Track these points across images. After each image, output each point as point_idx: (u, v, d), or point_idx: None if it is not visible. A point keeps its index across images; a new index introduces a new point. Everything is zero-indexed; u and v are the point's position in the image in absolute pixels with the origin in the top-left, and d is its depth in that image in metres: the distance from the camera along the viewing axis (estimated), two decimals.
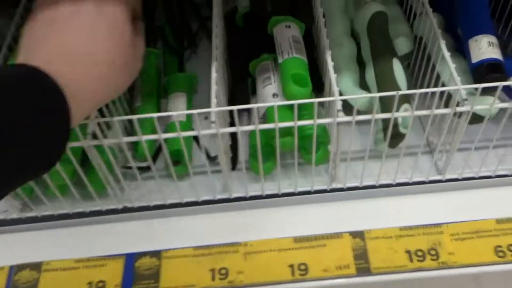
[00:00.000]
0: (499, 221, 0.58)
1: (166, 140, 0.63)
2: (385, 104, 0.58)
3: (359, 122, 0.52)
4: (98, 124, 0.50)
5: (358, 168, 0.61)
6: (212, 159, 0.63)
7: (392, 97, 0.52)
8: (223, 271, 0.55)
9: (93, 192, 0.57)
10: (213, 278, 0.55)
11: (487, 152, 0.58)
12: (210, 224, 0.60)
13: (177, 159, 0.61)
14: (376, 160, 0.62)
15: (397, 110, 0.56)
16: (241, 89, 0.67)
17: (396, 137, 0.58)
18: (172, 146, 0.61)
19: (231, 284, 0.54)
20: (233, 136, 0.66)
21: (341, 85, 0.63)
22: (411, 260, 0.55)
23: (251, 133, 0.63)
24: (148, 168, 0.62)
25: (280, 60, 0.58)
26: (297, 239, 0.58)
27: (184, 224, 0.60)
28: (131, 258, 0.57)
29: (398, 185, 0.61)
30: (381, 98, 0.58)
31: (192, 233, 0.59)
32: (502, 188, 0.61)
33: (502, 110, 0.54)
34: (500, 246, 0.56)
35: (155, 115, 0.49)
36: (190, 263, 0.56)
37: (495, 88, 0.51)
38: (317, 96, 0.64)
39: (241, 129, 0.51)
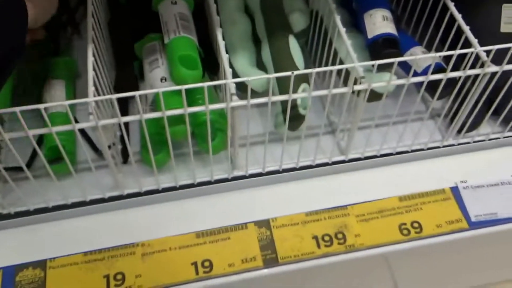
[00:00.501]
0: (401, 198, 0.57)
1: (44, 134, 0.56)
2: (283, 85, 0.55)
3: (257, 105, 0.48)
4: None
5: (259, 153, 0.58)
6: (100, 153, 0.57)
7: (290, 77, 0.50)
8: (119, 277, 0.50)
9: None
10: (107, 286, 0.49)
11: (387, 129, 0.58)
12: (101, 225, 0.54)
13: (57, 156, 0.54)
14: (277, 144, 0.60)
15: (295, 91, 0.53)
16: (126, 73, 0.61)
17: (296, 119, 0.55)
18: (50, 142, 0.54)
19: None
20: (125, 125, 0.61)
21: (236, 65, 0.59)
22: (319, 246, 0.53)
23: (140, 123, 0.57)
24: (22, 169, 0.55)
25: (166, 40, 0.53)
26: (199, 234, 0.53)
27: (71, 227, 0.53)
28: (10, 271, 0.50)
29: (301, 168, 0.58)
30: (278, 78, 0.55)
31: (81, 237, 0.53)
32: (403, 165, 0.61)
33: (400, 86, 0.53)
34: (405, 224, 0.55)
35: (17, 109, 0.42)
36: (80, 271, 0.50)
37: (392, 64, 0.50)
38: (213, 79, 0.60)
39: (124, 119, 0.46)
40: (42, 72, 0.61)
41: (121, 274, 0.50)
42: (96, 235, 0.53)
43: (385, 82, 0.51)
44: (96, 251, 0.52)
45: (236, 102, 0.47)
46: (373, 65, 0.49)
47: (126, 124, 0.62)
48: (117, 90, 0.60)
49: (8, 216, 0.53)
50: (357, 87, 0.49)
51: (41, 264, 0.50)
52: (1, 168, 0.48)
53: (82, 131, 0.60)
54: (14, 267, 0.50)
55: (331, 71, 0.48)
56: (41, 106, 0.42)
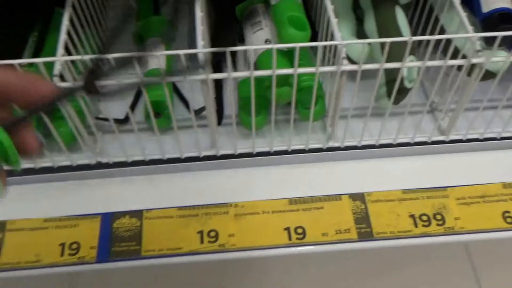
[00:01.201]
0: (506, 185, 0.54)
1: (148, 89, 0.56)
2: (390, 56, 0.53)
3: (354, 77, 0.47)
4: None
5: (355, 127, 0.56)
6: (197, 112, 0.57)
7: (397, 47, 0.48)
8: (212, 234, 0.50)
9: (62, 145, 0.50)
10: (201, 241, 0.49)
11: (493, 113, 0.55)
12: (196, 183, 0.54)
13: (158, 110, 0.55)
14: (374, 119, 0.58)
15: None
16: (227, 35, 0.61)
17: (400, 92, 0.53)
18: (152, 97, 0.54)
19: (222, 248, 0.49)
20: (217, 88, 0.60)
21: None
22: (416, 225, 0.51)
23: (240, 84, 0.57)
24: (125, 120, 0.56)
25: (273, 2, 0.52)
26: (292, 201, 0.53)
27: (167, 182, 0.54)
28: (108, 218, 0.50)
29: (399, 145, 0.56)
30: (383, 50, 0.53)
31: (176, 192, 0.53)
32: (509, 151, 0.57)
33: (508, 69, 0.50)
34: (508, 212, 0.52)
35: (134, 54, 0.42)
36: (174, 224, 0.50)
37: (507, 41, 0.47)
38: None
39: (233, 75, 0.45)
40: (142, 32, 0.61)
41: (215, 232, 0.50)
42: (191, 192, 0.53)
43: (503, 57, 0.48)
44: (190, 207, 0.52)
45: (347, 66, 0.46)
46: (485, 42, 0.47)
47: (221, 86, 0.62)
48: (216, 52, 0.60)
49: (107, 166, 0.54)
50: (475, 60, 0.47)
51: (138, 214, 0.51)
52: (111, 119, 0.48)
53: (176, 89, 0.61)
54: (113, 214, 0.51)
55: (437, 44, 0.46)
56: (156, 53, 0.43)
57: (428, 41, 0.46)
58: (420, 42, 0.56)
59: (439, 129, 0.58)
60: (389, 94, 0.53)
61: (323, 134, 0.57)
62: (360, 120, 0.57)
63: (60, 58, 0.43)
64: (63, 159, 0.53)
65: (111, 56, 0.40)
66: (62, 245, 0.48)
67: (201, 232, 0.50)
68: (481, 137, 0.57)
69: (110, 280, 0.52)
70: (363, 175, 0.55)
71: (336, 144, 0.56)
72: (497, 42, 0.46)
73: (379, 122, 0.55)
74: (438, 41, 0.52)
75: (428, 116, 0.60)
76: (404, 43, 0.45)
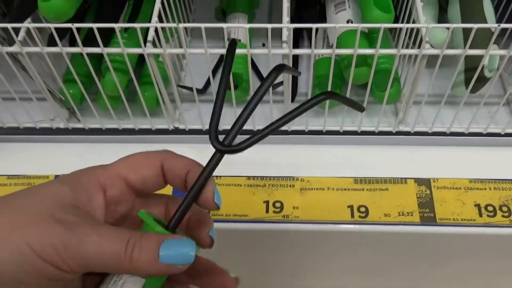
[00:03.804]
0: None
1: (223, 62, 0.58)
2: (472, 43, 0.53)
3: (434, 64, 0.47)
4: (156, 31, 0.46)
5: (427, 113, 0.56)
6: (274, 87, 0.59)
7: (481, 35, 0.47)
8: (277, 204, 0.52)
9: (146, 108, 0.54)
10: (267, 211, 0.51)
11: None
12: (265, 155, 0.56)
13: (235, 83, 0.57)
14: (446, 107, 0.57)
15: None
16: (309, 13, 0.62)
17: (479, 81, 0.52)
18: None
19: (286, 219, 0.51)
20: (293, 65, 0.62)
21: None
22: (481, 215, 0.51)
23: (317, 62, 0.58)
24: (204, 90, 0.58)
25: None
26: (357, 180, 0.54)
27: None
28: None
29: (470, 135, 0.56)
30: (465, 37, 0.52)
31: (246, 163, 0.55)
32: None
33: None
34: None
35: (209, 25, 0.44)
36: (243, 192, 0.53)
37: None
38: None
39: (316, 51, 0.47)
40: (225, 6, 0.64)
41: (280, 203, 0.52)
42: (260, 163, 0.55)
43: None
44: (259, 177, 0.54)
45: (429, 50, 0.46)
46: None
47: (297, 64, 0.63)
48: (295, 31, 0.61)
49: (183, 132, 0.57)
50: None
51: None
52: (194, 88, 0.51)
53: (254, 64, 0.63)
54: None
55: None
56: (243, 26, 0.44)
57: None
58: (503, 32, 0.55)
59: None
60: (467, 82, 0.53)
61: (394, 117, 0.58)
62: (432, 107, 0.57)
63: (155, 25, 0.46)
64: (144, 122, 0.56)
65: (202, 25, 0.43)
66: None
67: (267, 202, 0.52)
68: None
69: None
70: (431, 161, 0.55)
71: (407, 129, 0.56)
72: None
73: (451, 110, 0.55)
74: None
75: (504, 108, 0.59)
76: (488, 31, 0.44)
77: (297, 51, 0.47)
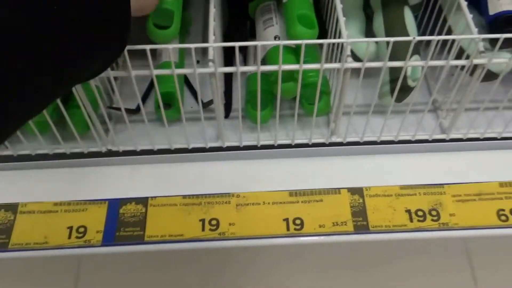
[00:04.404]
0: (502, 184, 0.56)
1: (159, 81, 0.58)
2: (395, 54, 0.54)
3: (358, 75, 0.48)
4: None
5: (358, 123, 0.58)
6: (205, 105, 0.59)
7: (402, 47, 0.49)
8: (213, 222, 0.52)
9: (76, 132, 0.53)
10: (203, 229, 0.51)
11: (494, 113, 0.56)
12: (201, 173, 0.56)
13: (168, 102, 0.57)
14: (377, 116, 0.59)
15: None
16: (240, 31, 0.63)
17: (403, 91, 0.54)
18: (163, 88, 0.56)
19: (222, 236, 0.51)
20: (226, 82, 0.62)
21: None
22: (411, 220, 0.53)
23: (249, 78, 0.59)
24: (136, 111, 0.58)
25: (284, 0, 0.54)
26: (293, 193, 0.54)
27: (173, 171, 0.56)
28: (115, 204, 0.53)
29: (400, 142, 0.58)
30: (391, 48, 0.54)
31: (181, 181, 0.55)
32: (508, 151, 0.58)
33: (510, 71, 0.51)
34: (503, 210, 0.54)
35: (147, 46, 0.44)
36: (178, 212, 0.52)
37: (511, 43, 0.48)
38: None
39: (241, 69, 0.47)
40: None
41: (216, 220, 0.52)
42: (195, 181, 0.55)
43: (506, 59, 0.49)
44: (194, 196, 0.54)
45: (351, 64, 0.47)
46: (490, 43, 0.48)
47: (230, 81, 0.63)
48: (228, 48, 0.62)
49: (117, 154, 0.56)
50: (477, 61, 0.48)
51: (143, 201, 0.53)
52: (122, 108, 0.50)
53: (188, 82, 0.63)
54: (119, 200, 0.53)
55: (444, 45, 0.47)
56: (167, 46, 0.44)
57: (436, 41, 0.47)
58: (428, 42, 0.57)
59: (441, 128, 0.60)
60: (392, 91, 0.55)
61: (327, 129, 0.59)
62: (364, 117, 0.58)
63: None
64: (75, 146, 0.55)
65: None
66: (70, 228, 0.51)
67: (203, 220, 0.52)
68: (481, 137, 0.58)
69: (115, 264, 0.55)
70: (363, 170, 0.57)
71: (339, 140, 0.58)
72: (499, 43, 0.47)
73: (381, 119, 0.57)
74: (445, 42, 0.53)
75: (430, 114, 0.61)
76: (410, 42, 0.46)
77: (222, 69, 0.47)
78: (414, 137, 0.58)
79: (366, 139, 0.57)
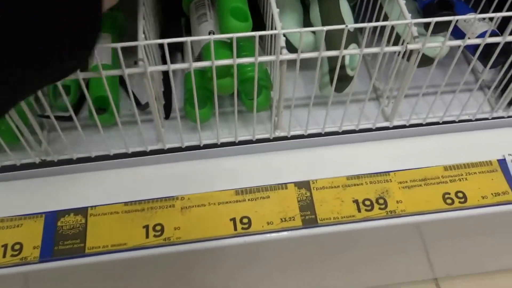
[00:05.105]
0: (446, 168, 0.56)
1: (88, 85, 0.56)
2: (332, 44, 0.54)
3: (302, 67, 0.47)
4: None
5: (302, 116, 0.57)
6: (143, 107, 0.57)
7: (339, 36, 0.48)
8: (158, 228, 0.50)
9: (4, 144, 0.50)
10: (147, 236, 0.49)
11: (434, 98, 0.56)
12: (142, 177, 0.54)
13: (103, 106, 0.55)
14: (320, 108, 0.59)
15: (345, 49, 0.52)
16: (174, 28, 0.61)
17: (343, 80, 0.54)
18: (96, 92, 0.54)
19: (167, 242, 0.49)
20: (166, 82, 0.60)
21: (283, 25, 0.58)
22: (359, 210, 0.52)
23: (186, 76, 0.57)
24: (69, 118, 0.55)
25: None
26: (239, 191, 0.53)
27: (112, 178, 0.54)
28: (52, 217, 0.50)
29: (344, 133, 0.57)
30: (327, 38, 0.54)
31: (122, 188, 0.53)
32: (449, 135, 0.59)
33: (449, 54, 0.51)
34: (449, 193, 0.54)
35: None
36: (120, 220, 0.50)
37: (445, 27, 0.48)
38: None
39: (173, 67, 0.45)
40: None
41: (160, 226, 0.50)
42: (137, 187, 0.53)
43: (439, 43, 0.49)
44: (136, 202, 0.52)
45: (286, 55, 0.46)
46: (425, 28, 0.48)
47: (169, 80, 0.61)
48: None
49: (52, 164, 0.53)
50: (411, 46, 0.48)
51: (83, 211, 0.51)
52: (52, 116, 0.48)
53: (123, 83, 0.60)
54: (56, 212, 0.50)
55: (381, 32, 0.47)
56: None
57: (373, 29, 0.46)
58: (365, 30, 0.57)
59: (383, 115, 0.59)
60: (332, 82, 0.54)
61: (270, 124, 0.58)
62: (307, 110, 0.58)
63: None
64: (6, 159, 0.52)
65: None
66: (5, 246, 0.48)
67: (146, 227, 0.50)
68: (423, 122, 0.58)
69: (59, 280, 0.52)
70: (309, 163, 0.56)
71: (283, 134, 0.57)
72: (431, 27, 0.47)
73: (324, 111, 0.56)
74: (383, 30, 0.53)
75: (373, 103, 0.61)
76: (348, 32, 0.45)
77: (152, 68, 0.45)
78: (358, 126, 0.57)
79: (310, 131, 0.57)
